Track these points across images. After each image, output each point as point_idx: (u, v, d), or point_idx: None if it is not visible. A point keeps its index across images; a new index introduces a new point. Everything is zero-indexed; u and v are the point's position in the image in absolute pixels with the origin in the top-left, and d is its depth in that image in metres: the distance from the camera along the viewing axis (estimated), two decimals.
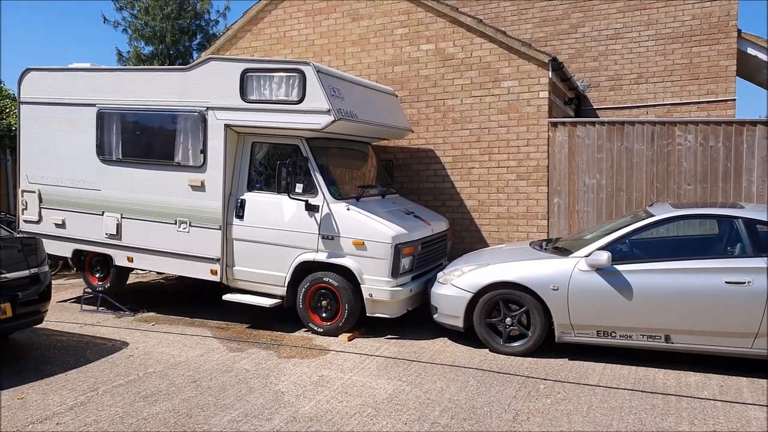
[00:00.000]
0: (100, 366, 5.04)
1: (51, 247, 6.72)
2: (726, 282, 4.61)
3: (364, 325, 5.99)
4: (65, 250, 7.17)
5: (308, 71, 5.66)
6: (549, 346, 5.20)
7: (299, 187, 5.89)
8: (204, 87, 6.18)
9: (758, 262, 4.61)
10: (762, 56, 8.99)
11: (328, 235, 5.79)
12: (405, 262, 5.73)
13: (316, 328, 5.94)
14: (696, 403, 4.19)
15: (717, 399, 4.25)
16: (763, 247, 4.69)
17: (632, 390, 4.42)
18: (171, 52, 20.15)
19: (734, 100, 9.08)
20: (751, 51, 9.04)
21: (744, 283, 4.57)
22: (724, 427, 3.80)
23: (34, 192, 7.23)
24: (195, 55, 19.77)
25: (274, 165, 5.97)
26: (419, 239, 6.00)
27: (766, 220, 4.82)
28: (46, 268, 5.42)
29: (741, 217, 4.87)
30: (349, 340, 5.74)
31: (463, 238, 7.70)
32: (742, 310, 4.58)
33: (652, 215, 5.17)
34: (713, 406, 4.12)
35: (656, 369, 4.84)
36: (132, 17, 20.15)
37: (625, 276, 4.86)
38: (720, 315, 4.64)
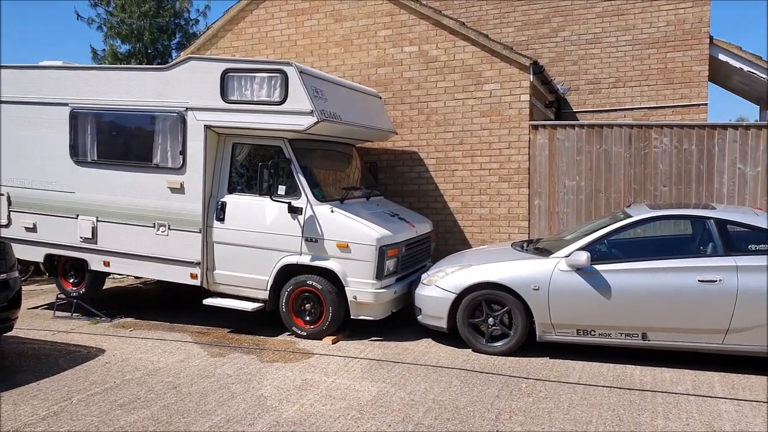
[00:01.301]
0: (75, 374, 4.90)
1: (21, 252, 6.49)
2: (699, 280, 4.75)
3: (348, 327, 5.97)
4: (37, 255, 6.96)
5: (290, 72, 5.62)
6: (530, 345, 5.26)
7: (282, 189, 5.84)
8: (183, 87, 6.08)
9: (728, 261, 4.75)
10: (733, 62, 9.25)
11: (312, 237, 5.76)
12: (389, 264, 5.73)
13: (299, 332, 5.89)
14: (671, 398, 4.29)
15: (690, 393, 4.37)
16: (733, 246, 4.84)
17: (611, 387, 4.51)
18: (149, 51, 19.76)
19: (706, 104, 9.32)
20: (722, 57, 9.29)
21: (715, 281, 4.71)
22: (697, 421, 3.90)
23: (2, 194, 6.99)
24: (174, 54, 19.45)
25: (255, 167, 5.90)
26: (403, 241, 6.01)
27: (735, 220, 4.98)
28: (16, 274, 5.23)
29: (713, 218, 5.02)
30: (333, 343, 5.71)
31: (446, 240, 7.74)
32: (714, 308, 4.72)
33: (630, 216, 5.29)
34: (687, 401, 4.24)
35: (633, 366, 4.94)
36: (107, 14, 19.71)
37: (604, 276, 4.96)
38: (693, 313, 4.77)
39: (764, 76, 9.06)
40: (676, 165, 6.94)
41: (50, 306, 7.22)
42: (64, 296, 7.11)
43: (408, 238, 6.14)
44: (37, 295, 8.09)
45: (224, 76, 5.85)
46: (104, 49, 19.85)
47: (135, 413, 4.10)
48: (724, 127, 6.85)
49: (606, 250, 5.23)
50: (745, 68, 9.15)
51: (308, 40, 8.29)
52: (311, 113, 5.56)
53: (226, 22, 8.71)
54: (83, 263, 6.80)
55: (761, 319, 4.62)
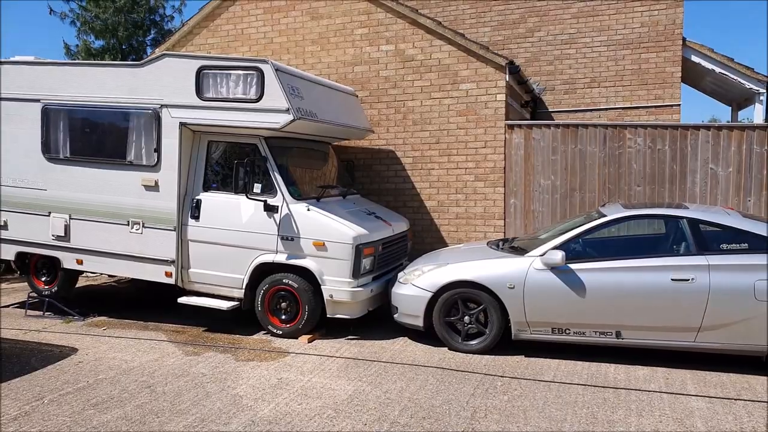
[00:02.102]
0: (47, 374, 4.83)
1: None
2: (672, 279, 4.80)
3: (325, 326, 5.96)
4: (8, 253, 6.84)
5: (266, 69, 5.58)
6: (506, 344, 5.30)
7: (257, 187, 5.80)
8: (158, 84, 6.01)
9: (700, 260, 4.82)
10: (705, 64, 9.44)
11: (288, 236, 5.73)
12: (366, 263, 5.73)
13: (275, 331, 5.87)
14: (644, 395, 4.35)
15: (663, 391, 4.43)
16: (706, 245, 4.91)
17: (585, 385, 4.56)
18: (123, 47, 19.44)
19: (679, 105, 9.49)
20: (695, 58, 9.48)
21: (688, 280, 4.77)
22: (669, 418, 3.96)
23: None
24: (149, 50, 19.17)
25: (231, 164, 5.86)
26: (380, 240, 6.02)
27: (708, 220, 5.05)
28: None
29: (685, 217, 5.08)
30: (309, 342, 5.69)
31: (423, 239, 7.77)
32: (686, 306, 4.78)
33: (604, 215, 5.34)
34: (659, 398, 4.29)
35: (608, 364, 4.99)
36: (81, 9, 19.33)
37: (579, 274, 5.00)
38: (666, 311, 4.83)
39: (735, 77, 9.28)
40: (649, 165, 7.06)
41: (22, 305, 7.10)
42: (36, 295, 7.01)
43: (384, 236, 6.15)
44: (8, 293, 7.94)
45: (199, 73, 5.80)
46: (78, 45, 19.47)
47: (108, 413, 4.04)
48: (697, 127, 6.97)
49: (581, 249, 5.27)
50: (717, 70, 9.36)
51: (285, 38, 8.25)
52: (287, 111, 5.53)
53: (201, 19, 8.62)
54: (56, 261, 6.69)
55: (732, 317, 4.69)
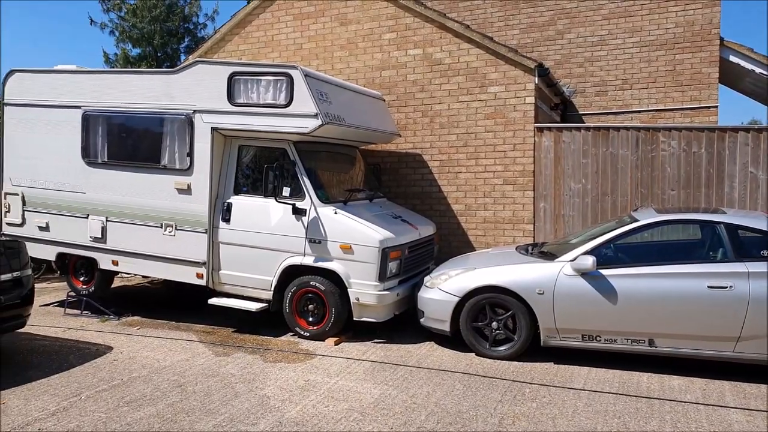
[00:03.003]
0: (84, 371, 4.99)
1: (34, 251, 6.61)
2: (708, 286, 4.66)
3: (351, 329, 5.99)
4: (49, 254, 7.10)
5: (296, 75, 5.66)
6: (535, 350, 5.23)
7: (286, 191, 5.88)
8: (191, 90, 6.16)
9: (740, 267, 4.66)
10: (744, 64, 9.14)
11: (316, 238, 5.79)
12: (392, 266, 5.74)
13: (302, 333, 5.93)
14: (679, 406, 4.22)
15: (700, 402, 4.29)
16: (745, 252, 4.74)
17: (617, 394, 4.46)
18: (159, 55, 20.03)
19: (717, 106, 9.20)
20: (733, 59, 9.19)
21: (726, 287, 4.62)
22: (706, 431, 3.84)
23: (17, 194, 7.15)
24: (183, 57, 19.70)
25: (261, 168, 5.96)
26: (406, 243, 6.02)
27: (747, 225, 4.89)
28: (29, 272, 5.36)
29: (723, 223, 4.93)
30: (335, 345, 5.73)
31: (450, 242, 7.73)
32: (724, 315, 4.63)
33: (637, 220, 5.23)
34: (696, 410, 4.16)
35: (640, 372, 4.88)
36: (119, 19, 20.01)
37: (610, 280, 4.90)
38: (702, 319, 4.69)
39: None
40: (684, 168, 6.87)
41: (61, 303, 7.34)
42: (74, 294, 7.24)
43: (411, 240, 6.15)
44: (48, 292, 8.21)
45: (231, 80, 5.92)
46: (116, 53, 20.17)
47: (141, 410, 4.15)
48: (735, 129, 6.76)
49: (612, 254, 5.18)
50: (757, 70, 9.05)
51: (314, 44, 8.35)
52: (316, 116, 5.60)
53: (233, 26, 8.79)
54: (93, 262, 6.91)
55: None
